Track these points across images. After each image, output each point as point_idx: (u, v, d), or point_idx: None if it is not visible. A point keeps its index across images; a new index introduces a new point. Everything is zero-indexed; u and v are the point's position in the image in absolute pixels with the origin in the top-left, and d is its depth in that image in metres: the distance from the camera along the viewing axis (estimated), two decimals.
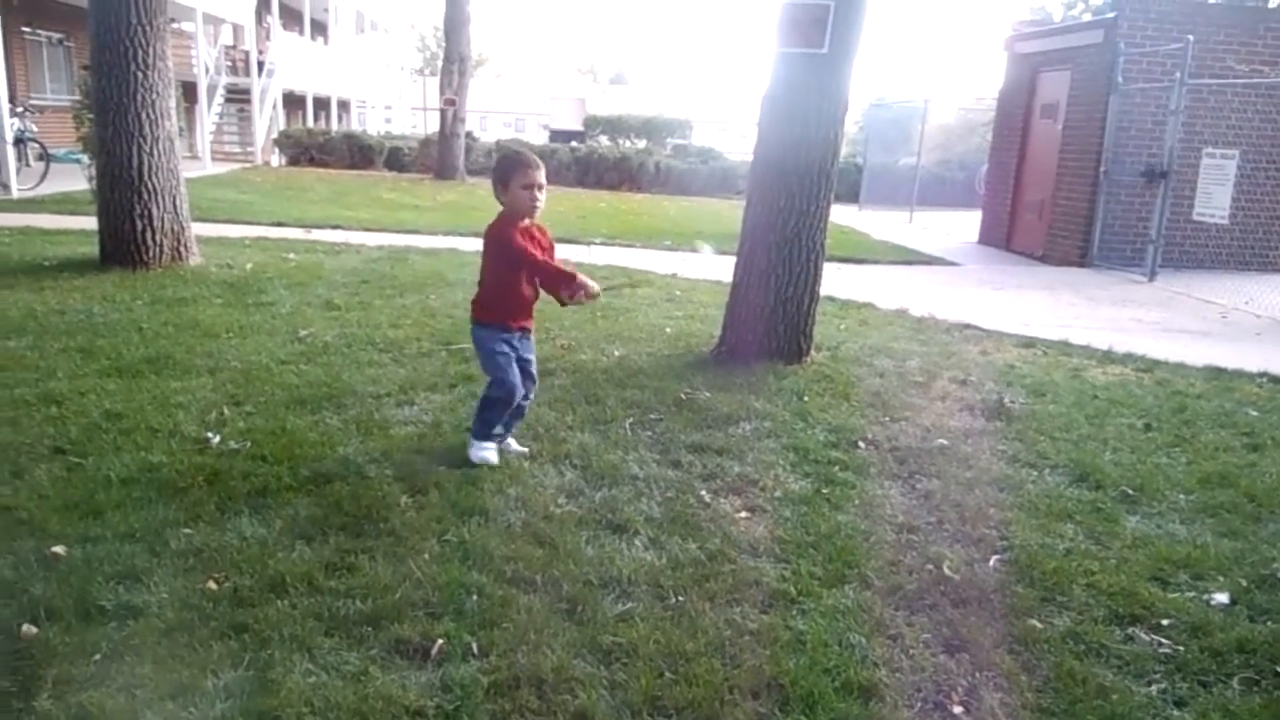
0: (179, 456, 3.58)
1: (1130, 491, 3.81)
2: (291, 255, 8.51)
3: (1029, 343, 6.61)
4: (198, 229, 7.99)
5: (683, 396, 4.67)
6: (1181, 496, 3.80)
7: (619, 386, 4.78)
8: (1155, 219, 10.65)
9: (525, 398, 3.78)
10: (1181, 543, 3.36)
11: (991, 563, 3.14)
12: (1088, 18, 23.00)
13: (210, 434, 3.81)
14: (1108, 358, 6.25)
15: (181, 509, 3.13)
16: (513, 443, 3.83)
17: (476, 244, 10.38)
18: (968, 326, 7.09)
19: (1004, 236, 13.44)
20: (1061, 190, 12.11)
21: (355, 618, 2.54)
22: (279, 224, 10.91)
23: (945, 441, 4.29)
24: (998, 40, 16.60)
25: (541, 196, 3.62)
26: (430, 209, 14.01)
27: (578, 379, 4.91)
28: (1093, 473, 3.98)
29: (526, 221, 3.66)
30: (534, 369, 3.84)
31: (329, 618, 2.53)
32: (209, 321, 5.68)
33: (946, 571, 3.02)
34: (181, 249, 7.42)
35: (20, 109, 13.39)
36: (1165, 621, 2.80)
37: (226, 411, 4.10)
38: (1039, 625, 2.75)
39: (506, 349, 3.66)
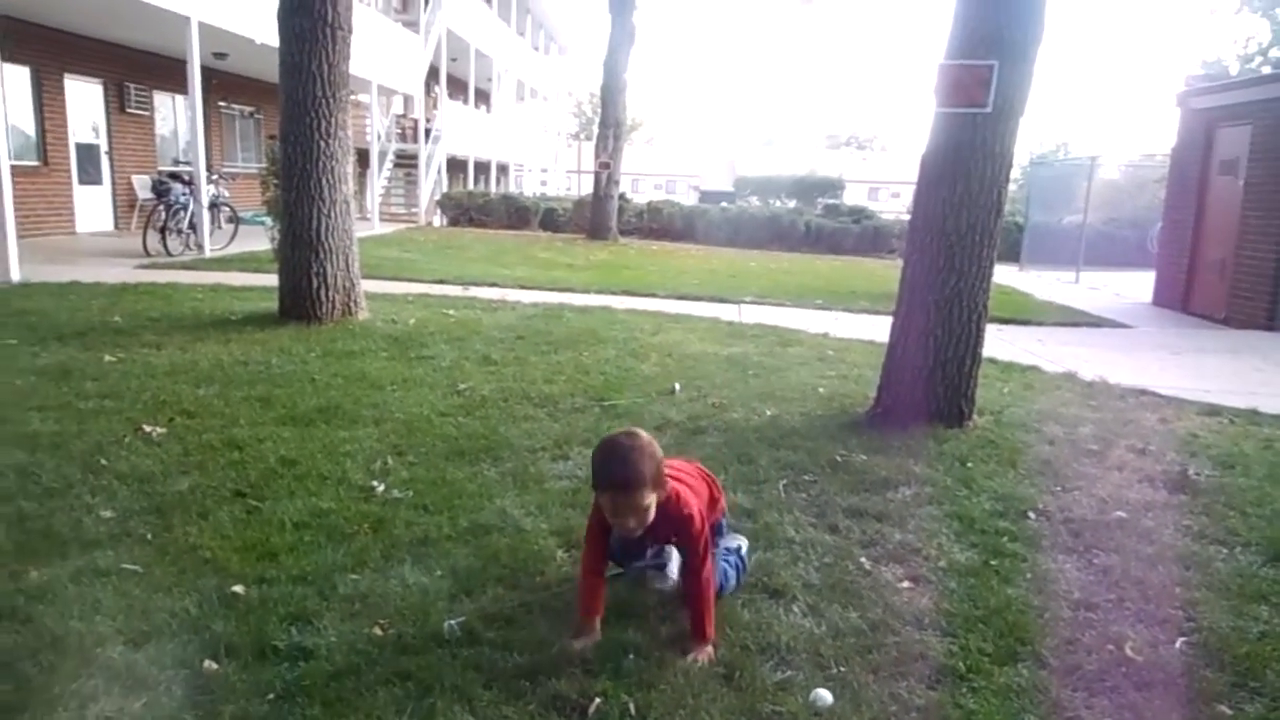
0: (346, 503, 3.73)
1: None
2: (451, 311, 8.85)
3: (1213, 410, 6.17)
4: (365, 285, 8.43)
5: (838, 458, 4.56)
6: None
7: (772, 446, 4.72)
8: None
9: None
10: None
11: (1178, 644, 2.90)
12: (1266, 69, 21.74)
13: (375, 482, 3.96)
14: None
15: (349, 554, 3.25)
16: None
17: (629, 302, 10.56)
18: (1144, 392, 6.68)
19: (1180, 297, 12.69)
20: (1245, 249, 11.36)
21: (513, 671, 2.55)
22: (440, 281, 11.39)
23: (1123, 514, 4.02)
24: (1166, 94, 15.87)
25: (638, 522, 2.72)
26: (583, 267, 14.36)
27: (729, 438, 4.87)
28: None
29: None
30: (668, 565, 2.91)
31: (488, 669, 2.56)
32: (375, 374, 5.95)
33: (1129, 652, 2.81)
34: (351, 304, 7.85)
35: (215, 176, 14.56)
36: None
37: (390, 461, 4.26)
38: (1229, 712, 2.53)
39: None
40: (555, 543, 3.42)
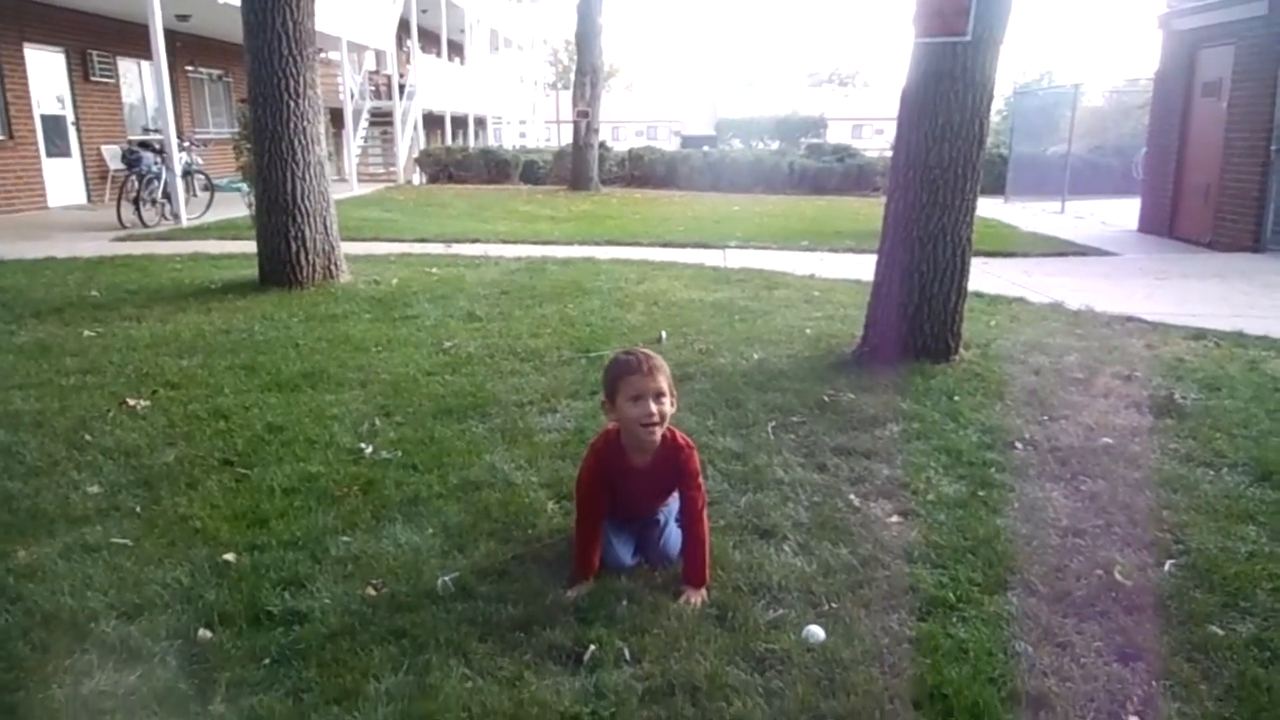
0: (335, 466, 3.71)
1: None
2: (434, 270, 8.79)
3: (1199, 335, 6.18)
4: (346, 248, 8.35)
5: (826, 399, 4.56)
6: None
7: (759, 390, 4.71)
8: None
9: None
10: None
11: (1166, 567, 2.93)
12: None
13: (363, 444, 3.95)
14: None
15: (339, 517, 3.25)
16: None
17: (613, 252, 10.49)
18: (1130, 319, 6.69)
19: (1166, 223, 12.67)
20: (1229, 172, 11.31)
21: (508, 623, 2.56)
22: (421, 240, 11.29)
23: (1110, 440, 4.04)
24: (1149, 16, 15.67)
25: (658, 410, 2.72)
26: (566, 219, 14.24)
27: (717, 383, 4.87)
28: (1276, 471, 3.68)
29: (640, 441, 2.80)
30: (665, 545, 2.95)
31: (483, 623, 2.56)
32: (359, 336, 5.91)
33: (1118, 577, 2.83)
34: (332, 268, 7.77)
35: (186, 143, 14.31)
36: None
37: (378, 422, 4.25)
38: (1220, 632, 2.55)
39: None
40: (546, 495, 3.43)
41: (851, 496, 3.44)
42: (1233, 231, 11.15)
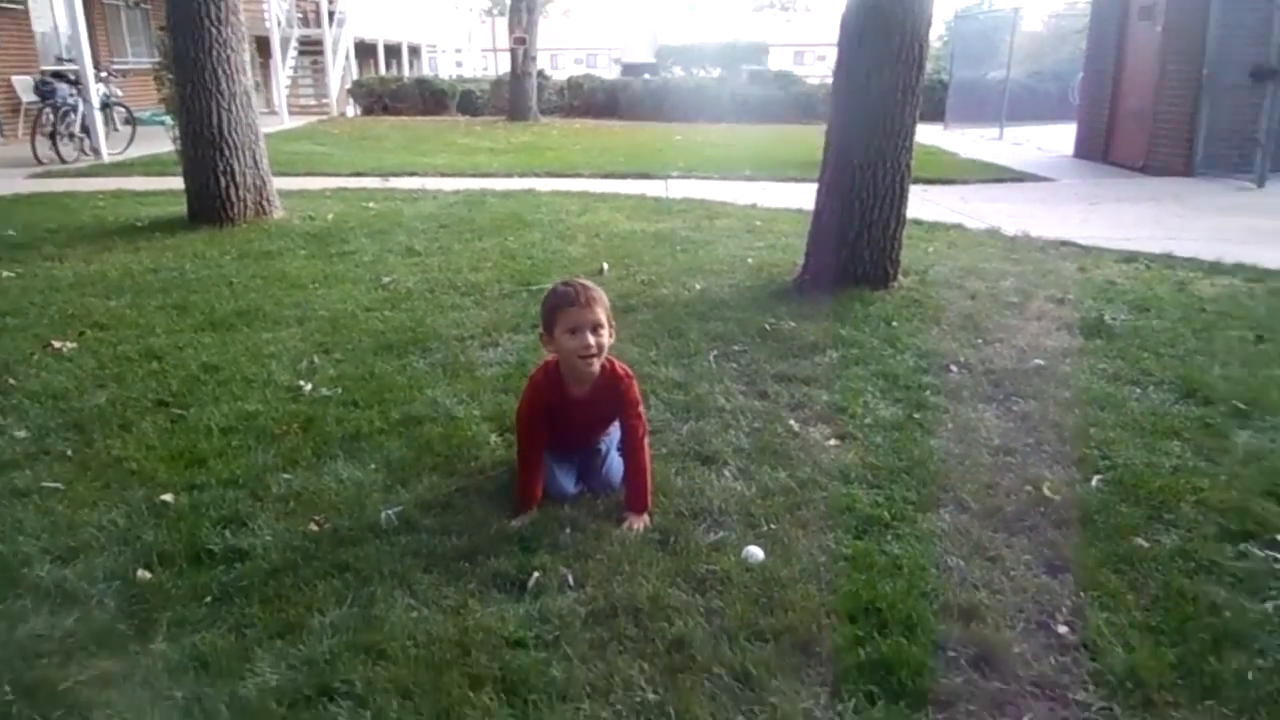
0: (274, 405, 3.66)
1: (1241, 406, 3.62)
2: (371, 204, 8.61)
3: (1130, 257, 6.32)
4: (279, 183, 8.13)
5: (767, 327, 4.59)
6: None
7: (701, 319, 4.73)
8: (1264, 121, 10.02)
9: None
10: None
11: (1094, 483, 3.03)
12: None
13: (302, 382, 3.90)
14: (1215, 269, 5.94)
15: (280, 455, 3.21)
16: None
17: (553, 184, 10.37)
18: (1064, 244, 6.81)
19: (1102, 148, 12.83)
20: (1163, 97, 11.45)
21: (452, 554, 2.58)
22: (357, 174, 11.04)
23: (1042, 362, 4.14)
24: None
25: (596, 341, 2.71)
26: (505, 151, 14.01)
27: (659, 313, 4.87)
28: (1201, 388, 3.80)
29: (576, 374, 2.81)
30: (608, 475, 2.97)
31: (427, 554, 2.57)
32: (295, 273, 5.80)
33: (1046, 493, 2.92)
34: (264, 203, 7.57)
35: (104, 74, 13.72)
36: None
37: (316, 360, 4.19)
38: (1145, 544, 2.65)
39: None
40: (489, 428, 3.42)
41: (791, 422, 3.49)
42: (1166, 156, 11.34)
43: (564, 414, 2.85)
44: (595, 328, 2.72)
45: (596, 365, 2.77)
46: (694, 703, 1.98)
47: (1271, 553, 2.61)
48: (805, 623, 2.24)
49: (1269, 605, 2.38)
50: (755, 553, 2.55)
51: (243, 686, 2.07)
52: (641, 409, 2.89)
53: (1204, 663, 2.13)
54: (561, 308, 2.73)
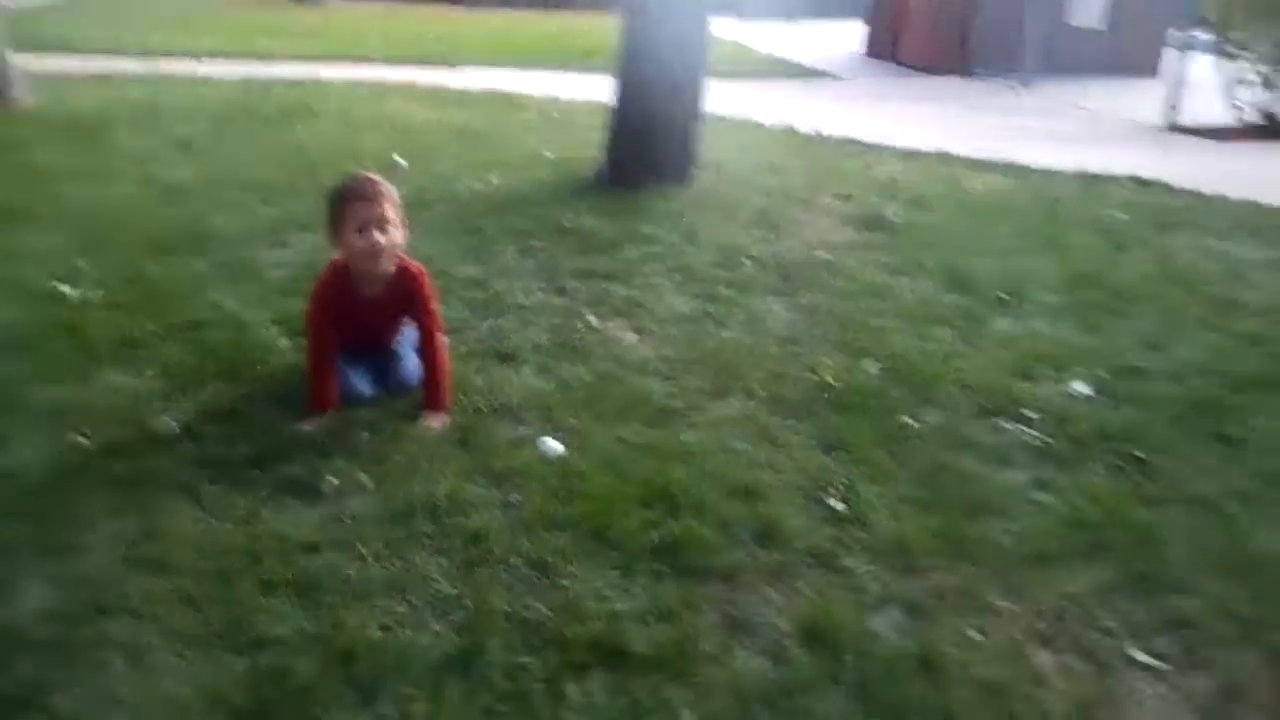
0: (32, 311, 3.34)
1: (1002, 295, 3.96)
2: (136, 91, 7.86)
3: (911, 155, 6.69)
4: (24, 63, 7.26)
5: (566, 223, 4.58)
6: (1050, 297, 3.97)
7: (499, 215, 4.66)
8: (1031, 27, 10.69)
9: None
10: (1048, 340, 3.54)
11: (870, 369, 3.24)
12: None
13: (64, 287, 3.57)
14: (986, 167, 6.38)
15: (40, 366, 2.96)
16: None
17: (343, 71, 9.80)
18: (852, 141, 7.11)
19: (890, 48, 13.36)
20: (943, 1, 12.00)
21: (241, 461, 2.48)
22: (118, 53, 10.01)
23: (828, 256, 4.35)
24: None
25: (385, 240, 2.64)
26: (289, 35, 13.07)
27: (456, 209, 4.76)
28: (966, 278, 4.11)
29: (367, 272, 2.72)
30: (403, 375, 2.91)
31: (214, 463, 2.47)
32: (50, 167, 5.24)
33: (828, 379, 3.11)
34: (5, 87, 6.75)
35: None
36: (1031, 413, 2.96)
37: (80, 262, 3.83)
38: (913, 423, 2.88)
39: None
40: (278, 332, 3.26)
41: (590, 317, 3.53)
42: (947, 58, 11.94)
43: (355, 315, 2.76)
44: (384, 224, 2.63)
45: (386, 264, 2.69)
46: (490, 592, 2.02)
47: (1021, 426, 2.90)
48: (602, 510, 2.31)
49: (1019, 475, 2.65)
50: (553, 446, 2.59)
51: (10, 611, 1.94)
52: (436, 307, 2.84)
53: (961, 529, 2.36)
54: (347, 203, 2.63)
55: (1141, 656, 1.97)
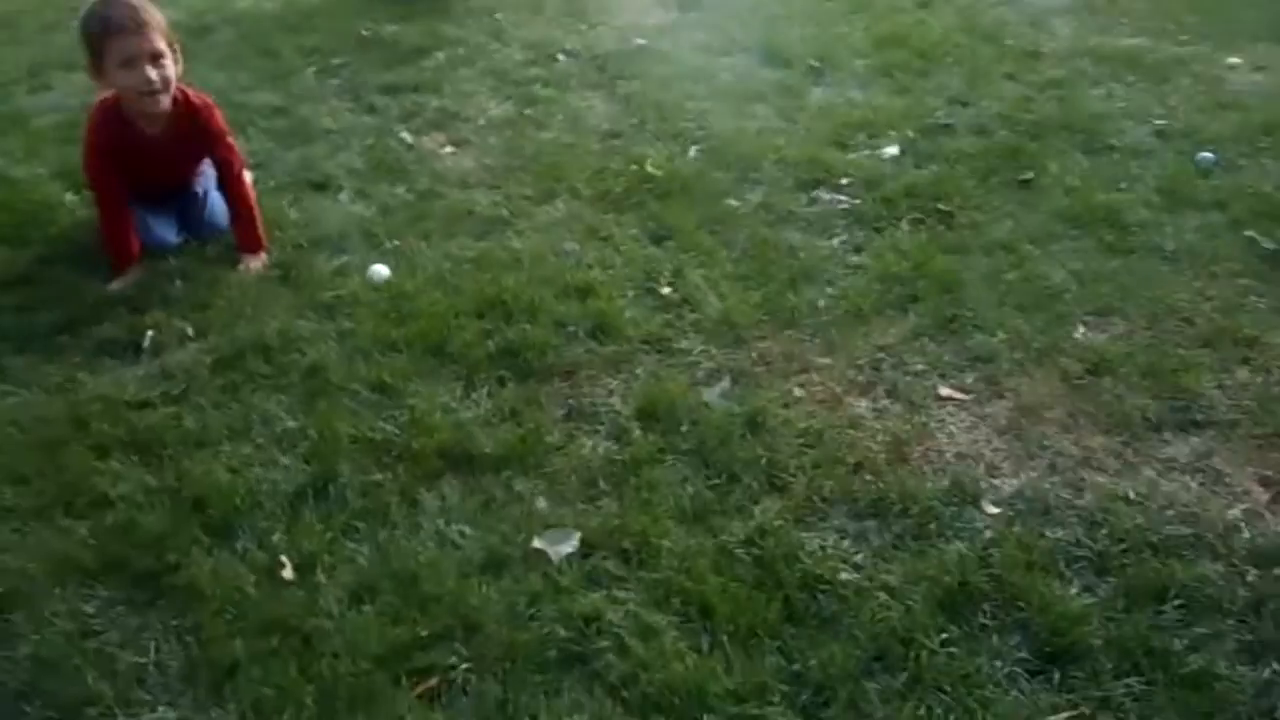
0: None
1: (815, 64, 3.98)
2: None
3: None
4: None
5: (365, 34, 4.30)
6: (859, 62, 4.01)
7: (293, 33, 4.33)
8: None
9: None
10: (859, 106, 3.61)
11: (691, 154, 3.26)
12: None
13: None
14: None
15: None
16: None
17: None
18: None
19: None
20: None
21: (48, 329, 2.36)
22: None
23: (643, 41, 4.25)
24: None
25: (159, 74, 2.40)
26: None
27: (243, 30, 4.39)
28: (781, 51, 4.09)
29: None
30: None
31: (17, 335, 2.34)
32: None
33: (650, 169, 3.11)
34: None
35: None
36: (845, 180, 3.06)
37: None
38: (735, 204, 2.94)
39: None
40: (61, 187, 3.02)
41: (404, 134, 3.40)
42: None
43: (140, 158, 2.57)
44: (155, 58, 2.41)
45: (165, 100, 2.49)
46: (335, 420, 2.03)
47: (836, 195, 3.00)
48: (436, 327, 2.32)
49: (835, 241, 2.76)
50: (380, 271, 2.55)
51: None
52: (232, 140, 2.68)
53: (783, 299, 2.47)
54: (109, 36, 2.38)
55: (947, 391, 2.17)
